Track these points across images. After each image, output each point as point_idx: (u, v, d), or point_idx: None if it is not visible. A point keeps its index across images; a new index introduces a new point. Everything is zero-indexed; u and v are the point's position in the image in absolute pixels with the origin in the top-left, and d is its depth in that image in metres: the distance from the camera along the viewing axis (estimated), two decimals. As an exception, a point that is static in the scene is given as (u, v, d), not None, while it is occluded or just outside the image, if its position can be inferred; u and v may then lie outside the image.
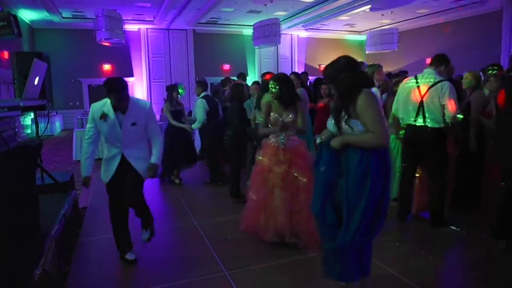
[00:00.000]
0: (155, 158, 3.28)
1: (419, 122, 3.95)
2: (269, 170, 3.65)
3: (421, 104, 3.93)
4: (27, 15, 13.83)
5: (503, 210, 3.44)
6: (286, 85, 3.70)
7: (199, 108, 5.82)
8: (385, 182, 2.29)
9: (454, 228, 3.97)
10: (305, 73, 7.91)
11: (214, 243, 3.76)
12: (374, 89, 4.33)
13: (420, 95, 3.95)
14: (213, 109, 5.95)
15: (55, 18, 14.42)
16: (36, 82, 2.79)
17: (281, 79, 3.72)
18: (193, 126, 5.99)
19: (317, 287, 2.96)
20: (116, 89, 2.99)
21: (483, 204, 4.25)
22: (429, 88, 3.90)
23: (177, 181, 6.22)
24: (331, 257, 2.44)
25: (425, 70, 4.05)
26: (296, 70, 17.45)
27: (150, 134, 3.30)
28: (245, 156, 5.42)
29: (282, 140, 3.66)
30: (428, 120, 3.90)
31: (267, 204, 3.60)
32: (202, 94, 6.00)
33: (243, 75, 8.20)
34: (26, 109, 2.50)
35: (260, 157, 3.77)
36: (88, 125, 3.14)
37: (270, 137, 3.75)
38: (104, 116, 3.03)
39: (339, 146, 2.30)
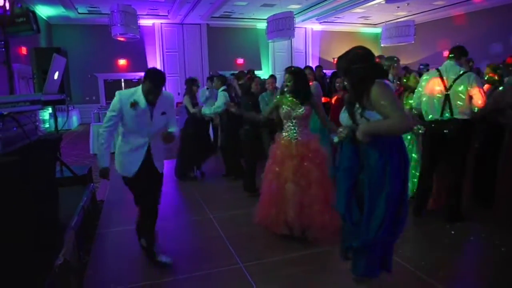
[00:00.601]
0: (175, 129, 3.24)
1: (446, 115, 3.89)
2: (281, 164, 3.67)
3: (447, 97, 3.87)
4: (44, 11, 14.05)
5: None
6: (300, 79, 3.70)
7: (220, 98, 5.88)
8: (405, 177, 2.29)
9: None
10: (319, 67, 7.86)
11: (229, 236, 3.80)
12: (389, 83, 4.28)
13: (445, 88, 3.89)
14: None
15: (71, 14, 14.63)
16: (56, 76, 2.85)
17: (296, 72, 3.72)
18: (211, 109, 5.98)
19: (329, 279, 2.97)
20: (162, 81, 2.96)
21: (499, 200, 4.18)
22: (454, 80, 3.84)
23: (191, 175, 6.28)
24: (356, 255, 2.45)
25: (447, 63, 3.99)
26: (310, 64, 17.36)
27: (169, 120, 3.24)
28: (262, 149, 5.43)
29: (295, 134, 3.66)
30: (456, 112, 3.84)
31: (279, 198, 3.63)
32: (222, 88, 6.05)
33: (250, 71, 8.19)
34: (46, 103, 2.56)
35: (273, 151, 3.79)
36: (110, 113, 2.97)
37: (283, 131, 3.75)
38: (134, 104, 2.93)
39: (365, 136, 2.21)
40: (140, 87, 3.00)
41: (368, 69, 2.29)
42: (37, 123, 2.84)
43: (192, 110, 6.02)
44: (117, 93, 3.01)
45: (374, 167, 2.24)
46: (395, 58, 4.73)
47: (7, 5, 3.84)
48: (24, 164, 2.14)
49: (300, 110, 3.62)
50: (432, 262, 3.17)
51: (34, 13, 4.26)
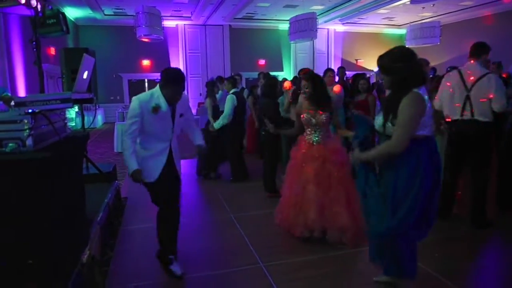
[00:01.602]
0: (201, 139, 3.37)
1: (467, 116, 3.80)
2: (302, 166, 3.66)
3: (467, 98, 3.79)
4: (71, 12, 14.45)
5: None
6: (317, 84, 3.67)
7: (228, 103, 5.87)
8: (437, 176, 2.28)
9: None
10: (342, 68, 7.79)
11: (249, 236, 3.82)
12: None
13: (466, 89, 3.81)
14: (240, 106, 5.99)
15: (97, 15, 15.00)
16: (85, 76, 2.93)
17: (312, 78, 3.69)
18: (216, 124, 5.86)
19: (350, 282, 2.95)
20: (183, 80, 2.88)
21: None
22: (475, 82, 3.76)
23: (212, 175, 6.33)
24: (387, 251, 2.44)
25: (468, 64, 3.91)
26: (332, 65, 17.23)
27: (189, 123, 3.27)
28: (281, 151, 5.44)
29: (317, 138, 3.65)
30: (476, 114, 3.75)
31: (299, 199, 3.62)
32: (232, 90, 6.06)
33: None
34: (76, 102, 2.64)
35: (295, 153, 3.79)
36: (130, 120, 2.81)
37: (305, 133, 3.75)
38: (157, 108, 2.81)
39: (356, 163, 2.48)
40: (156, 89, 2.89)
41: (411, 70, 2.26)
42: (66, 121, 2.92)
43: (210, 117, 6.05)
44: (134, 98, 2.85)
45: (405, 164, 2.23)
46: (424, 60, 4.65)
47: (39, 7, 3.98)
48: (54, 160, 2.21)
49: (320, 118, 3.60)
50: (457, 269, 3.10)
51: (64, 14, 4.41)
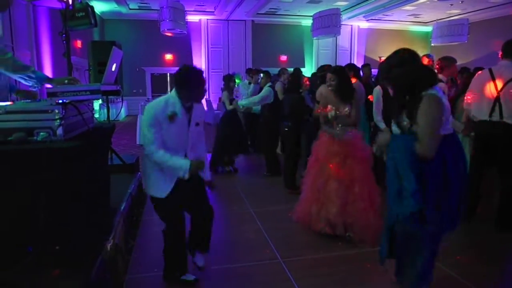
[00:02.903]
0: (204, 151, 2.99)
1: (495, 118, 3.69)
2: (324, 161, 3.65)
3: (497, 99, 3.68)
4: (98, 6, 14.72)
5: None
6: (344, 78, 3.68)
7: (266, 92, 5.95)
8: (463, 172, 2.26)
9: None
10: (367, 65, 7.66)
11: (268, 231, 3.83)
12: (442, 84, 4.13)
13: (496, 90, 3.69)
14: (275, 101, 6.02)
15: (123, 9, 15.23)
16: (113, 68, 3.00)
17: (338, 71, 3.70)
18: (241, 102, 6.12)
19: (370, 281, 2.93)
20: (203, 82, 2.64)
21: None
22: (507, 83, 3.64)
23: (227, 168, 6.38)
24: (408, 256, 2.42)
25: (501, 63, 3.78)
26: (355, 62, 16.98)
27: (201, 141, 2.94)
28: (300, 147, 5.43)
29: (338, 132, 3.63)
30: (505, 116, 3.64)
31: (321, 195, 3.61)
32: (268, 84, 6.13)
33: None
34: (104, 94, 2.70)
35: (316, 148, 3.79)
36: (151, 131, 2.55)
37: (326, 128, 3.74)
38: (173, 116, 2.56)
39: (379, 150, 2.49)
40: (171, 94, 2.65)
41: (415, 73, 2.22)
42: (93, 112, 3.00)
43: (229, 106, 6.15)
44: (149, 108, 2.59)
45: (431, 166, 2.21)
46: (451, 59, 4.56)
47: (70, 0, 4.08)
48: (83, 149, 2.28)
49: (344, 110, 3.60)
50: (481, 273, 3.03)
51: (92, 8, 4.50)
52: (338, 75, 3.65)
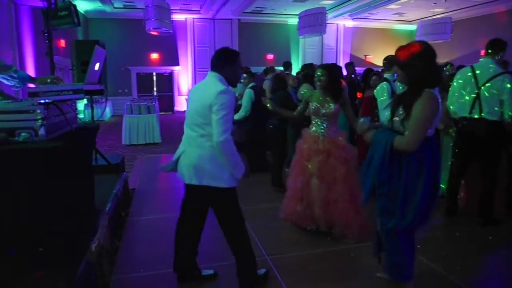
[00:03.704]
0: None
1: (475, 114, 3.77)
2: (307, 159, 3.67)
3: (477, 96, 3.76)
4: (81, 5, 14.53)
5: None
6: (334, 75, 3.68)
7: (246, 97, 5.90)
8: (437, 173, 2.30)
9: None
10: (351, 63, 7.75)
11: (255, 229, 3.84)
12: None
13: (477, 87, 3.77)
14: (258, 100, 6.01)
15: (107, 8, 15.07)
16: (96, 67, 2.97)
17: (329, 68, 3.70)
18: (236, 116, 6.02)
19: (355, 277, 2.96)
20: None
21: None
22: (488, 80, 3.71)
23: None
24: (391, 256, 2.46)
25: (482, 60, 3.86)
26: (341, 61, 17.13)
27: None
28: (286, 145, 5.45)
29: (322, 131, 3.65)
30: (485, 113, 3.72)
31: (304, 193, 3.64)
32: (250, 85, 6.09)
33: (288, 64, 8.18)
34: (87, 93, 2.68)
35: (300, 146, 3.80)
36: (229, 116, 2.37)
37: (311, 126, 3.75)
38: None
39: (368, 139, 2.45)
40: (218, 77, 2.48)
41: (429, 70, 2.23)
42: (76, 112, 2.97)
43: None
44: (227, 90, 2.40)
45: (411, 160, 2.24)
46: None
47: (52, -2, 4.03)
48: (65, 150, 2.26)
49: (330, 108, 3.60)
50: (463, 266, 3.10)
51: (75, 6, 4.45)
52: (329, 72, 3.62)
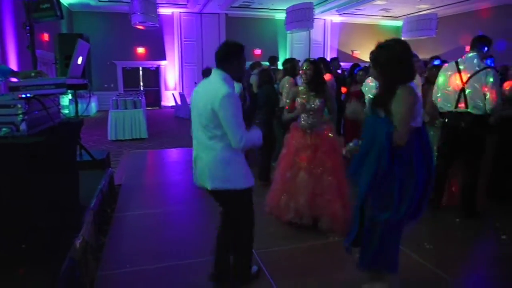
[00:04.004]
0: None
1: (461, 108, 3.83)
2: (295, 153, 3.69)
3: (462, 91, 3.81)
4: (66, -2, 14.27)
5: None
6: (319, 70, 3.72)
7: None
8: (430, 163, 2.35)
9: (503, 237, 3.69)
10: (336, 59, 7.79)
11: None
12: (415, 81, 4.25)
13: (461, 82, 3.83)
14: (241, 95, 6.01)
15: (91, 1, 14.81)
16: (79, 61, 2.92)
17: (315, 62, 3.73)
18: None
19: (340, 270, 3.00)
20: None
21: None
22: (472, 75, 3.77)
23: None
24: (378, 247, 2.48)
25: (467, 56, 3.92)
26: (328, 56, 17.19)
27: None
28: (274, 140, 5.46)
29: (309, 125, 3.68)
30: (470, 107, 3.78)
31: (291, 186, 3.66)
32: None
33: (273, 59, 8.17)
34: (70, 87, 2.63)
35: (288, 140, 3.82)
36: (240, 115, 2.31)
37: (299, 120, 3.77)
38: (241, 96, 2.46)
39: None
40: (222, 76, 2.39)
41: (404, 71, 2.26)
42: (60, 107, 2.92)
43: None
44: (231, 90, 2.32)
45: (401, 158, 2.27)
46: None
47: (33, -9, 3.94)
48: (48, 145, 2.22)
49: (315, 103, 3.63)
50: (446, 257, 3.16)
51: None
52: (315, 66, 3.66)
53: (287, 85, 5.16)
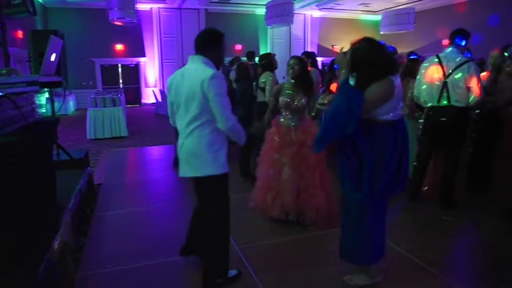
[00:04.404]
0: None
1: (443, 102, 3.89)
2: (279, 150, 3.69)
3: (445, 84, 3.87)
4: (40, -6, 13.88)
5: None
6: (305, 67, 3.72)
7: None
8: (404, 152, 2.39)
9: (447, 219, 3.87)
10: (312, 53, 7.80)
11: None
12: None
13: (443, 75, 3.88)
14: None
15: (67, -3, 14.45)
16: (52, 58, 2.84)
17: (301, 58, 3.72)
18: None
19: (325, 262, 3.02)
20: None
21: (495, 187, 4.24)
22: (454, 69, 3.82)
23: None
24: (356, 238, 2.51)
25: (447, 49, 3.98)
26: (309, 51, 17.23)
27: None
28: (254, 135, 5.45)
29: (293, 123, 3.68)
30: (453, 100, 3.84)
31: (276, 183, 3.66)
32: None
33: (251, 54, 8.15)
34: (43, 85, 2.56)
35: (270, 136, 3.80)
36: (227, 97, 2.36)
37: (281, 117, 3.76)
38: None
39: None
40: (203, 60, 2.39)
41: (375, 71, 2.29)
42: (34, 106, 2.84)
43: None
44: (219, 73, 2.35)
45: (373, 146, 2.30)
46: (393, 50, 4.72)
47: (3, -14, 3.81)
48: (21, 145, 2.15)
49: (301, 101, 3.62)
50: (425, 248, 3.23)
51: (30, -6, 4.23)
52: (302, 62, 3.65)
53: (270, 80, 5.15)
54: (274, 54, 5.88)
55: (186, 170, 2.48)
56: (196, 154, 2.39)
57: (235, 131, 2.39)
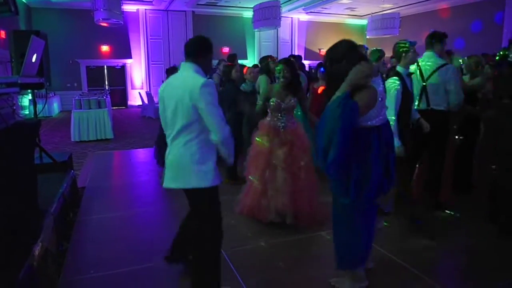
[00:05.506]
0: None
1: (422, 106, 3.92)
2: (270, 152, 3.68)
3: (423, 88, 3.90)
4: (23, -7, 13.64)
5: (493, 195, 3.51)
6: (294, 70, 3.75)
7: None
8: (388, 160, 2.40)
9: (449, 212, 4.02)
10: (299, 57, 7.85)
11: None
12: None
13: (422, 79, 3.92)
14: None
15: (52, -3, 14.23)
16: (34, 59, 2.78)
17: (290, 63, 3.73)
18: None
19: (316, 264, 3.02)
20: None
21: (477, 188, 4.31)
22: (433, 72, 3.85)
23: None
24: (341, 247, 2.52)
25: (425, 53, 4.02)
26: (295, 54, 17.32)
27: None
28: (242, 139, 5.44)
29: (283, 124, 3.67)
30: (433, 104, 3.87)
31: (269, 186, 3.64)
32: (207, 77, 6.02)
33: (233, 57, 8.16)
34: (24, 87, 2.50)
35: (259, 139, 3.79)
36: (220, 110, 2.29)
37: (269, 118, 3.75)
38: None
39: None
40: (194, 69, 2.33)
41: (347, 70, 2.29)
42: (15, 108, 2.77)
43: None
44: (210, 82, 2.27)
45: (358, 150, 2.31)
46: (381, 50, 4.74)
47: (-17, -15, 3.71)
48: (0, 148, 2.10)
49: (290, 102, 3.63)
50: (408, 248, 3.25)
51: (12, -6, 4.13)
52: (290, 67, 3.66)
53: (264, 83, 5.15)
54: (273, 57, 5.90)
55: (169, 181, 2.41)
56: (180, 165, 2.31)
57: (227, 144, 2.29)
